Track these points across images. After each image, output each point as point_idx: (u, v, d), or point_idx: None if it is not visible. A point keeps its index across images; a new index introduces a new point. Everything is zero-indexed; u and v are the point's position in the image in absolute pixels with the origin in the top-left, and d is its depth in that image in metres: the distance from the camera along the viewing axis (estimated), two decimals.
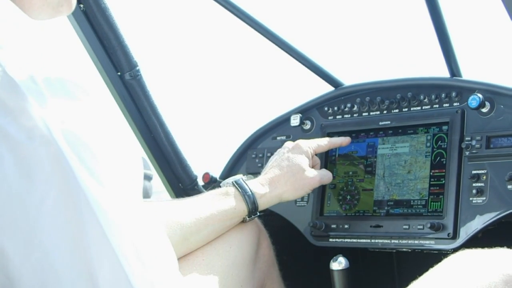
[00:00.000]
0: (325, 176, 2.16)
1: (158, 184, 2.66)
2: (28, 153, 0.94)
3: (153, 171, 2.63)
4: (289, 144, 2.16)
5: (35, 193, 0.93)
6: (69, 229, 0.94)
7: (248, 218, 2.00)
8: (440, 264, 1.70)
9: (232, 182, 2.00)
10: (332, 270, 1.95)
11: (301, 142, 2.15)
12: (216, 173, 2.67)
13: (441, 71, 2.22)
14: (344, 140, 2.27)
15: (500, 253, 1.73)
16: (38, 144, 0.94)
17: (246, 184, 2.00)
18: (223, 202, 1.95)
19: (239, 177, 2.03)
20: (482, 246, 1.84)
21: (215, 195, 1.97)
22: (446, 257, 1.77)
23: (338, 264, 1.95)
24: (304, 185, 2.09)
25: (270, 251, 2.10)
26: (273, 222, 2.22)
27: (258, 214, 2.02)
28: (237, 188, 1.98)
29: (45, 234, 0.94)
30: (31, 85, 0.96)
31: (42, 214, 0.94)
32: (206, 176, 2.64)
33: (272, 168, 2.09)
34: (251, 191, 1.98)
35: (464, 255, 1.73)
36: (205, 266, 1.87)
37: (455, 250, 2.00)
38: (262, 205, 2.01)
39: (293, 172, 2.07)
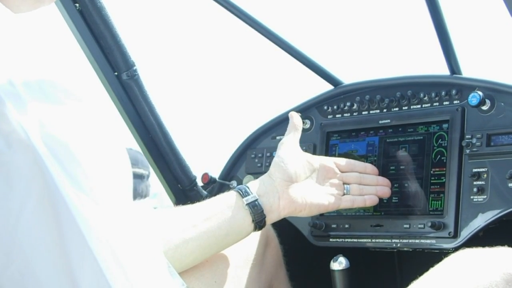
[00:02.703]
0: (351, 202, 2.07)
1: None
2: (6, 159, 0.90)
3: (151, 172, 2.61)
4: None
5: (14, 199, 0.91)
6: (50, 237, 0.92)
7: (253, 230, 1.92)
8: (440, 263, 1.69)
9: (237, 189, 1.92)
10: (333, 270, 1.94)
11: (285, 141, 2.05)
12: (216, 173, 2.65)
13: (441, 69, 2.21)
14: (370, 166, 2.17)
15: (501, 252, 1.72)
16: (16, 149, 0.91)
17: (258, 200, 1.89)
18: (227, 214, 1.86)
19: (248, 185, 1.94)
20: (483, 245, 1.83)
21: (219, 204, 1.88)
22: (447, 256, 1.75)
23: (339, 264, 1.94)
24: (320, 210, 2.03)
25: (278, 251, 2.08)
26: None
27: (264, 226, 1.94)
28: (246, 205, 1.88)
29: (25, 242, 0.91)
30: (9, 88, 0.93)
31: (21, 222, 0.91)
32: (205, 176, 2.63)
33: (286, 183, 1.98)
34: (260, 205, 1.89)
35: (465, 254, 1.72)
36: (209, 267, 1.85)
37: (456, 249, 1.99)
38: (270, 220, 1.93)
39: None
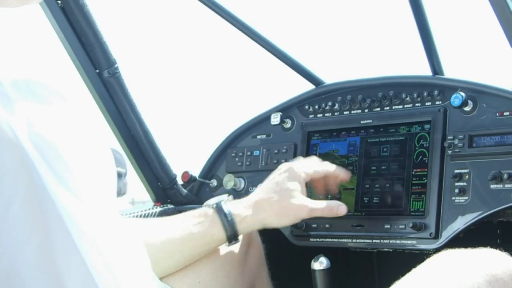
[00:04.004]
0: (322, 206, 1.99)
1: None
2: None
3: (132, 170, 2.60)
4: (283, 166, 2.02)
5: (0, 197, 0.90)
6: (37, 238, 0.90)
7: (229, 244, 1.90)
8: (423, 263, 1.69)
9: (212, 204, 1.89)
10: (314, 270, 1.93)
11: (295, 166, 2.00)
12: (196, 172, 2.64)
13: (423, 70, 2.21)
14: (345, 174, 2.12)
15: (483, 253, 1.72)
16: (3, 148, 0.89)
17: (227, 207, 1.88)
18: (198, 226, 1.85)
19: (222, 198, 1.93)
20: (464, 246, 1.83)
21: (191, 217, 1.87)
22: (428, 257, 1.75)
23: (320, 264, 1.93)
24: (289, 213, 1.94)
25: (260, 250, 2.07)
26: None
27: (239, 240, 1.92)
28: (215, 211, 1.87)
29: (10, 242, 0.90)
30: None
31: (7, 221, 0.89)
32: (185, 175, 2.62)
33: (260, 191, 1.97)
34: (230, 214, 1.87)
35: (448, 255, 1.71)
36: (192, 268, 1.84)
37: (437, 250, 1.99)
38: (243, 229, 1.90)
39: (280, 197, 1.93)
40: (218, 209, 1.87)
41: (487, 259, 1.68)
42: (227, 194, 1.99)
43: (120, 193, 4.27)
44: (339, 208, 2.00)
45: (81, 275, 0.91)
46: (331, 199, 2.15)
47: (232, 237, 1.88)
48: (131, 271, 0.97)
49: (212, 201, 1.91)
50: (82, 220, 0.92)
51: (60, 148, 0.92)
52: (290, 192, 1.94)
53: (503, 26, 1.66)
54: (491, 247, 1.76)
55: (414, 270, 1.66)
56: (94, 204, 0.94)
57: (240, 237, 1.98)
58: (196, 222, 1.85)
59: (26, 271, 0.90)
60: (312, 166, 2.04)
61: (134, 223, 1.85)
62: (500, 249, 2.17)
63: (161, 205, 2.57)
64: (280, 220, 1.95)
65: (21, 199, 0.90)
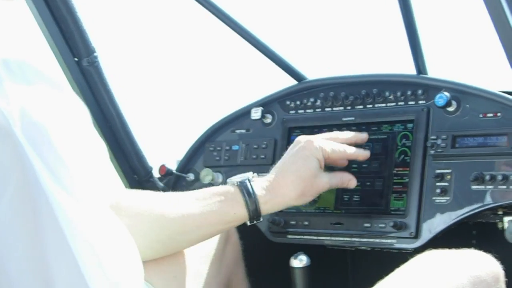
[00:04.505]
0: (339, 180, 1.98)
1: None
2: None
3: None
4: (302, 139, 1.96)
5: None
6: (26, 231, 0.87)
7: (249, 223, 1.85)
8: (407, 264, 1.67)
9: (237, 182, 1.82)
10: (293, 267, 1.91)
11: (315, 140, 1.95)
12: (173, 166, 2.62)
13: (407, 68, 2.19)
14: (363, 155, 2.06)
15: (467, 254, 1.71)
16: None
17: (252, 187, 1.82)
18: (219, 203, 1.78)
19: (247, 176, 1.85)
20: (441, 246, 1.83)
21: (214, 194, 1.80)
22: (407, 256, 1.74)
23: (299, 261, 1.91)
24: (312, 192, 1.91)
25: (237, 246, 2.05)
26: None
27: (261, 219, 1.86)
28: (241, 190, 1.81)
29: None
30: None
31: None
32: (162, 168, 2.59)
33: (281, 170, 1.90)
34: (255, 196, 1.81)
35: (431, 255, 1.70)
36: (168, 263, 1.79)
37: (416, 249, 1.99)
38: (266, 211, 1.85)
39: (302, 177, 1.88)
40: (242, 188, 1.81)
41: (471, 261, 1.67)
42: (251, 172, 1.89)
43: None
44: (350, 182, 2.00)
45: (71, 272, 0.88)
46: None
47: (254, 218, 1.83)
48: (123, 270, 0.94)
49: (236, 178, 1.84)
50: (76, 218, 0.89)
51: (55, 141, 0.89)
52: (311, 171, 1.89)
53: (496, 28, 1.64)
54: (467, 247, 1.75)
55: (397, 270, 1.64)
56: (88, 200, 0.92)
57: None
58: (217, 199, 1.78)
59: (14, 268, 0.86)
60: (331, 144, 1.98)
61: (151, 196, 1.77)
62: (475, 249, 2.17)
63: None
64: (302, 199, 1.91)
65: (12, 191, 0.86)
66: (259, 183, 1.85)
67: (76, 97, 1.00)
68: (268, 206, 1.84)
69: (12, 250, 0.87)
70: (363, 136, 2.09)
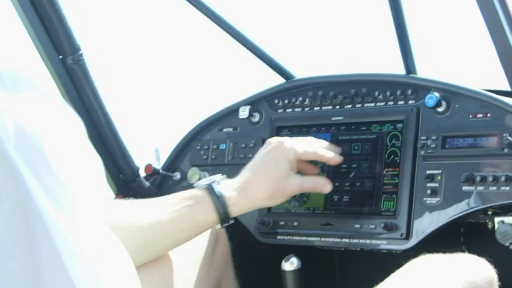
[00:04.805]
0: (312, 183, 1.97)
1: None
2: None
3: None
4: (273, 142, 1.94)
5: None
6: (21, 251, 0.85)
7: (219, 227, 1.85)
8: (402, 269, 1.67)
9: (205, 185, 1.81)
10: (284, 270, 1.89)
11: (286, 142, 1.94)
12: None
13: (395, 68, 2.18)
14: (336, 159, 2.03)
15: (462, 259, 1.71)
16: None
17: (219, 189, 1.80)
18: (190, 208, 1.77)
19: (215, 179, 1.84)
20: (429, 244, 1.85)
21: (182, 199, 1.78)
22: (396, 257, 1.73)
23: (290, 264, 1.89)
24: (282, 194, 1.90)
25: (226, 248, 2.03)
26: None
27: (232, 221, 1.86)
28: (209, 193, 1.79)
29: None
30: None
31: None
32: (148, 167, 2.56)
33: (251, 171, 1.89)
34: (223, 197, 1.80)
35: (426, 260, 1.70)
36: (158, 266, 1.77)
37: (406, 251, 1.99)
38: (235, 213, 1.84)
39: (272, 177, 1.88)
40: (210, 190, 1.80)
41: (465, 266, 1.67)
42: (220, 174, 1.89)
43: None
44: (324, 187, 1.98)
45: None
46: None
47: (224, 220, 1.81)
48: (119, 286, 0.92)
49: (204, 181, 1.83)
50: (72, 237, 0.87)
51: (49, 156, 0.87)
52: (282, 172, 1.88)
53: (489, 28, 1.64)
54: (455, 245, 1.75)
55: (392, 276, 1.63)
56: (84, 217, 0.89)
57: (208, 234, 1.94)
58: (186, 204, 1.77)
59: (8, 284, 0.84)
60: (303, 145, 1.97)
61: (122, 206, 1.74)
62: (463, 248, 2.17)
63: (123, 199, 2.51)
64: (273, 200, 1.91)
65: (7, 214, 0.84)
66: (228, 185, 1.84)
67: (69, 108, 0.97)
68: (238, 207, 1.83)
69: (7, 270, 0.84)
70: (337, 149, 2.07)
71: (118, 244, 0.97)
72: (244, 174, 1.89)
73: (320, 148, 2.01)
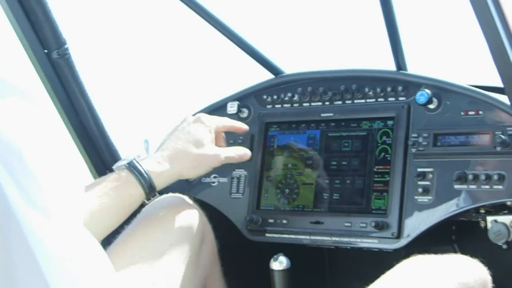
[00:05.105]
0: (233, 153, 2.04)
1: None
2: None
3: (79, 156, 2.51)
4: (189, 117, 2.03)
5: None
6: None
7: (147, 202, 1.91)
8: (392, 270, 1.65)
9: (125, 164, 1.86)
10: (272, 270, 1.86)
11: (203, 116, 2.02)
12: None
13: (385, 64, 2.16)
14: (242, 126, 2.16)
15: (455, 260, 1.70)
16: None
17: (140, 164, 1.85)
18: (116, 190, 1.82)
19: (132, 157, 1.88)
20: (422, 241, 1.85)
21: (108, 182, 1.83)
22: (386, 256, 1.71)
23: (279, 264, 1.86)
24: (204, 163, 1.96)
25: (213, 246, 2.02)
26: (208, 213, 2.11)
27: (157, 194, 1.92)
28: (130, 171, 1.84)
29: None
30: None
31: None
32: None
33: (170, 143, 1.95)
34: (146, 172, 1.85)
35: (418, 261, 1.68)
36: (144, 265, 1.77)
37: (397, 250, 1.97)
38: (160, 184, 1.89)
39: (194, 147, 1.94)
40: (131, 168, 1.84)
41: (458, 267, 1.66)
42: (135, 153, 1.92)
43: None
44: (245, 156, 2.08)
45: None
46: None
47: (150, 194, 1.86)
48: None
49: (121, 162, 1.87)
50: (47, 237, 0.84)
51: (26, 158, 0.84)
52: (203, 141, 1.95)
53: (481, 25, 1.61)
54: (447, 244, 1.73)
55: (383, 277, 1.62)
56: (60, 218, 0.87)
57: (194, 233, 1.94)
58: (112, 186, 1.82)
59: None
60: (218, 118, 2.08)
61: None
62: (455, 245, 2.16)
63: None
64: (196, 170, 1.97)
65: None
66: (149, 159, 1.89)
67: (50, 110, 0.96)
68: (162, 179, 1.88)
69: None
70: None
71: (94, 242, 0.95)
72: (165, 146, 1.94)
73: (236, 122, 2.13)
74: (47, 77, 2.31)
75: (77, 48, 2.34)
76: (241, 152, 2.07)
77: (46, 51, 2.29)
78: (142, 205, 2.00)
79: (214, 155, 1.97)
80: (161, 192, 2.00)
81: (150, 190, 1.85)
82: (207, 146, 1.96)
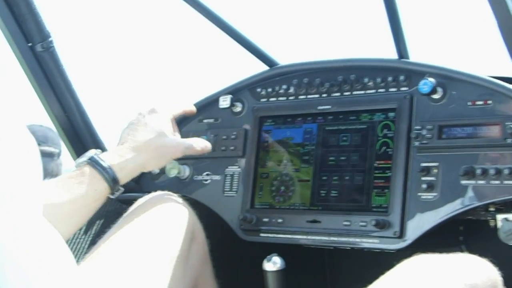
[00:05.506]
0: (195, 144, 2.04)
1: None
2: None
3: (66, 153, 2.45)
4: (144, 109, 2.01)
5: None
6: None
7: (112, 196, 1.89)
8: (395, 269, 1.58)
9: (86, 160, 1.85)
10: (266, 271, 1.78)
11: (158, 106, 2.02)
12: None
13: (386, 53, 2.08)
14: (192, 109, 2.19)
15: (462, 259, 1.60)
16: None
17: (102, 159, 1.85)
18: (80, 186, 1.81)
19: (93, 153, 1.87)
20: (426, 242, 1.77)
21: (72, 179, 1.82)
22: (390, 256, 1.67)
23: (273, 264, 1.78)
24: (166, 153, 1.98)
25: (204, 246, 1.96)
26: (201, 212, 2.02)
27: (122, 189, 1.91)
28: (93, 166, 1.84)
29: None
30: None
31: None
32: None
33: (130, 136, 1.94)
34: (108, 166, 1.85)
35: (423, 260, 1.60)
36: (131, 265, 1.71)
37: (400, 250, 1.88)
38: (124, 178, 1.89)
39: (154, 139, 1.94)
40: (94, 164, 1.84)
41: (466, 267, 1.57)
42: (95, 149, 1.93)
43: (53, 174, 4.07)
44: (206, 148, 2.09)
45: None
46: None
47: (114, 187, 1.86)
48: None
49: (82, 159, 1.87)
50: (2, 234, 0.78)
51: None
52: (163, 132, 1.96)
53: (494, 11, 1.50)
54: (454, 245, 1.64)
55: (384, 277, 1.54)
56: (15, 211, 0.80)
57: (183, 231, 1.88)
58: (76, 182, 1.81)
59: None
60: (171, 106, 2.08)
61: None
62: (462, 247, 2.06)
63: None
64: (158, 161, 1.98)
65: None
66: (111, 153, 1.91)
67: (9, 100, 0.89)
68: (125, 172, 1.89)
69: None
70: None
71: (54, 235, 0.89)
72: (124, 139, 1.94)
73: (184, 104, 2.15)
74: (31, 71, 2.27)
75: (62, 41, 2.31)
76: (203, 144, 2.07)
77: (30, 44, 2.25)
78: (128, 203, 1.99)
79: (175, 146, 1.98)
80: (151, 191, 2.00)
81: (114, 184, 1.85)
82: (168, 136, 1.97)
